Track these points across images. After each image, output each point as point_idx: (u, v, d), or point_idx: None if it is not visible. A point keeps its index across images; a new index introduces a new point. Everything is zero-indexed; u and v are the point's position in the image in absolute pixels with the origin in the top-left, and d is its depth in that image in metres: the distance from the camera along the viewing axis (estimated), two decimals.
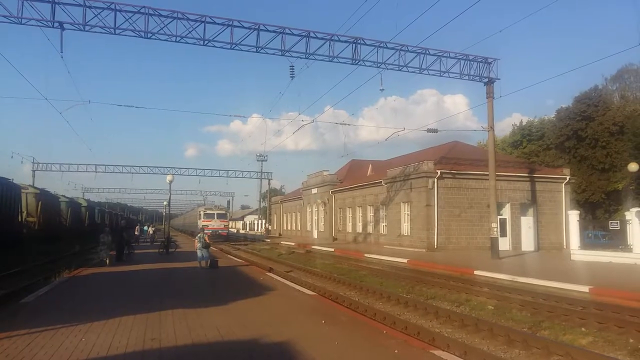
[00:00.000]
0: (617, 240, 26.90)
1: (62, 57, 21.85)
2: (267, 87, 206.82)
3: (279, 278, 16.50)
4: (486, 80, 26.68)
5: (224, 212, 53.48)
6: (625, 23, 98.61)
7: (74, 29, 20.77)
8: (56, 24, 20.41)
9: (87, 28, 20.73)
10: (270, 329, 8.55)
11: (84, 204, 55.72)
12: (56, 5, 20.22)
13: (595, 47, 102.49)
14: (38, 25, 20.44)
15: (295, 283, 15.24)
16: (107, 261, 20.72)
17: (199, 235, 21.18)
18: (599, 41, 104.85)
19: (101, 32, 21.22)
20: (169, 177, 31.87)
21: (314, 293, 13.38)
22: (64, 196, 47.16)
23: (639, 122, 46.23)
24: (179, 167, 66.79)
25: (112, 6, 20.75)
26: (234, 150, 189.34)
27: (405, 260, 24.85)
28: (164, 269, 19.75)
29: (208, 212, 51.47)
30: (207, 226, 44.31)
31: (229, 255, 27.71)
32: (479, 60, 26.54)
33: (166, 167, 63.60)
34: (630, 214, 24.49)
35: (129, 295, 12.88)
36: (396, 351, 7.30)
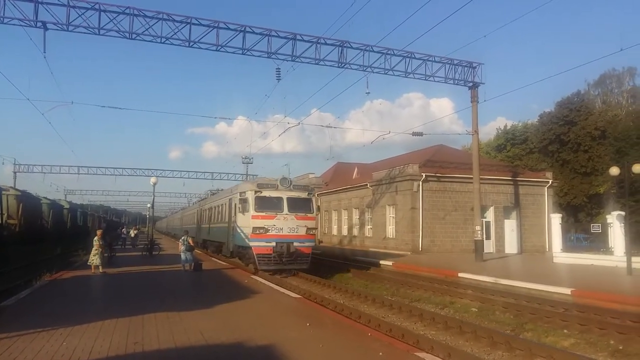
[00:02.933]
0: (599, 243, 27.30)
1: (45, 57, 21.56)
2: (253, 89, 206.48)
3: (263, 281, 16.44)
4: (471, 84, 26.90)
5: (306, 194, 21.29)
6: (608, 29, 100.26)
7: (58, 29, 20.49)
8: (39, 24, 20.11)
9: (70, 28, 20.47)
10: (255, 333, 8.50)
11: (66, 206, 54.94)
12: (39, 4, 19.95)
13: (578, 52, 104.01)
14: (20, 25, 20.11)
15: (280, 286, 15.19)
16: (101, 268, 18.30)
17: (182, 237, 21.03)
18: (582, 46, 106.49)
19: (85, 33, 20.95)
20: (152, 180, 31.58)
21: (298, 296, 13.36)
22: (45, 198, 46.44)
23: (620, 127, 47.00)
24: (163, 169, 66.15)
25: (97, 6, 20.52)
26: (220, 152, 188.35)
27: (390, 263, 24.91)
28: (147, 271, 19.56)
29: (268, 191, 20.40)
30: (261, 231, 19.48)
31: (213, 258, 27.53)
32: (464, 64, 26.75)
33: (150, 169, 62.76)
34: (611, 217, 24.83)
35: (112, 299, 12.73)
36: (381, 353, 7.31)
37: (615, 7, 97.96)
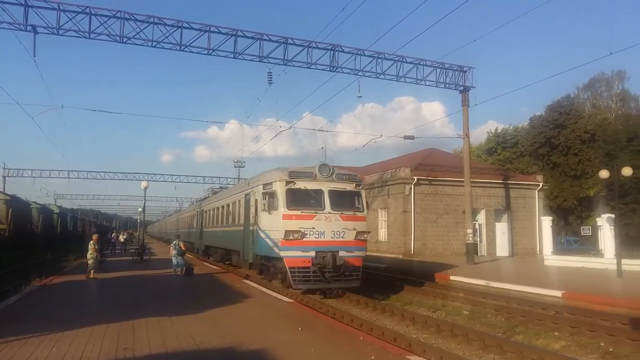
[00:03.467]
0: (589, 245, 27.47)
1: (35, 61, 21.44)
2: (244, 93, 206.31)
3: (255, 285, 16.38)
4: (462, 88, 27.07)
5: (353, 186, 15.82)
6: (597, 33, 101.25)
7: (48, 33, 20.44)
8: (29, 28, 20.04)
9: (61, 32, 20.40)
10: (247, 337, 8.47)
11: (56, 210, 54.55)
12: (29, 8, 19.86)
13: (568, 56, 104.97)
14: (10, 29, 20.02)
15: (272, 290, 15.15)
16: (92, 273, 18.13)
17: (174, 242, 20.93)
18: (571, 50, 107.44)
19: (75, 37, 20.89)
20: (143, 184, 31.47)
21: (291, 300, 13.33)
22: (35, 203, 46.10)
23: (610, 130, 47.41)
24: (154, 173, 65.56)
25: (87, 10, 20.47)
26: (212, 156, 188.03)
27: (383, 266, 24.92)
28: (138, 276, 19.44)
29: (303, 182, 15.09)
30: (296, 236, 14.29)
31: (205, 263, 27.42)
32: (455, 68, 26.91)
33: (141, 173, 62.54)
34: (601, 220, 25.02)
35: (102, 304, 12.64)
36: (373, 357, 7.31)
37: (604, 11, 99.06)
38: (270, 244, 15.10)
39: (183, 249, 20.62)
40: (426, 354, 8.55)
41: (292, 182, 14.85)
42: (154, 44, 21.71)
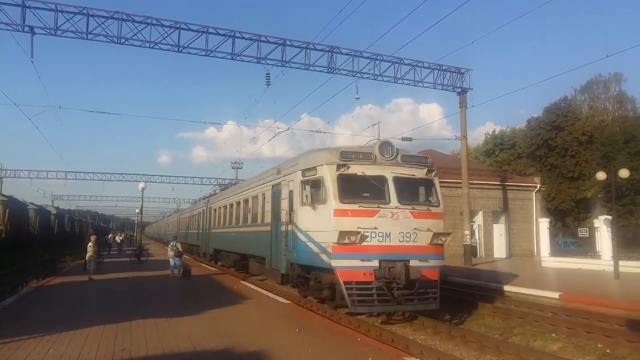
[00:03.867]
0: (586, 247, 27.55)
1: (32, 62, 21.41)
2: (242, 94, 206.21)
3: (253, 286, 16.36)
4: (459, 90, 27.12)
5: (425, 172, 12.27)
6: (594, 36, 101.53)
7: (45, 34, 20.41)
8: (26, 29, 20.00)
9: (58, 33, 20.37)
10: (245, 338, 8.46)
11: (53, 211, 54.40)
12: (26, 9, 19.83)
13: (565, 58, 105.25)
14: (7, 30, 19.99)
15: (269, 291, 15.13)
16: (90, 275, 18.14)
17: (171, 243, 20.89)
18: (568, 52, 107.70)
19: (73, 37, 20.87)
20: (141, 185, 31.48)
21: (288, 301, 13.31)
22: (32, 204, 45.99)
23: (607, 132, 47.58)
24: (152, 174, 65.46)
25: (85, 11, 20.45)
26: (209, 157, 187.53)
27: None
28: (135, 277, 19.40)
29: (359, 165, 11.54)
30: (353, 238, 10.68)
31: (202, 264, 27.37)
32: (452, 70, 26.96)
33: (139, 174, 62.46)
34: (598, 222, 25.06)
35: (99, 305, 12.61)
36: (370, 359, 7.32)
37: (601, 14, 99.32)
38: (315, 249, 11.50)
39: (180, 250, 20.61)
40: (424, 356, 8.56)
41: (345, 165, 11.39)
42: (152, 45, 21.70)
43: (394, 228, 11.00)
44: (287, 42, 23.53)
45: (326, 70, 24.44)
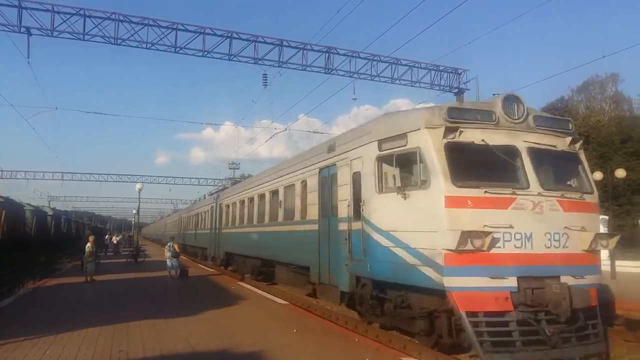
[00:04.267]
0: None
1: (29, 63, 21.39)
2: (239, 95, 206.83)
3: (250, 287, 16.34)
4: (456, 90, 27.16)
5: (569, 141, 8.47)
6: (591, 36, 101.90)
7: (42, 35, 20.37)
8: (23, 29, 19.97)
9: (55, 34, 20.35)
10: (242, 339, 8.45)
11: (50, 212, 54.38)
12: (23, 10, 19.79)
13: (561, 58, 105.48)
14: (4, 30, 19.96)
15: (267, 292, 15.11)
16: (87, 276, 17.96)
17: (168, 244, 20.86)
18: (565, 53, 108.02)
19: (70, 38, 20.85)
20: (138, 186, 31.40)
21: (286, 302, 13.30)
22: (29, 205, 45.95)
23: (604, 132, 47.67)
24: (149, 175, 65.42)
25: (81, 12, 20.44)
26: (207, 157, 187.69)
27: None
28: (132, 278, 19.35)
29: (475, 130, 7.69)
30: (477, 244, 6.90)
31: (199, 265, 27.32)
32: (449, 70, 27.01)
33: (136, 175, 62.32)
34: None
35: (96, 306, 12.56)
36: (368, 359, 7.31)
37: (598, 14, 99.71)
38: (408, 259, 7.88)
39: (177, 250, 20.59)
40: (421, 356, 8.54)
41: (455, 129, 7.65)
42: (149, 45, 21.69)
43: (538, 226, 7.39)
44: (285, 43, 23.55)
45: (323, 71, 24.48)
